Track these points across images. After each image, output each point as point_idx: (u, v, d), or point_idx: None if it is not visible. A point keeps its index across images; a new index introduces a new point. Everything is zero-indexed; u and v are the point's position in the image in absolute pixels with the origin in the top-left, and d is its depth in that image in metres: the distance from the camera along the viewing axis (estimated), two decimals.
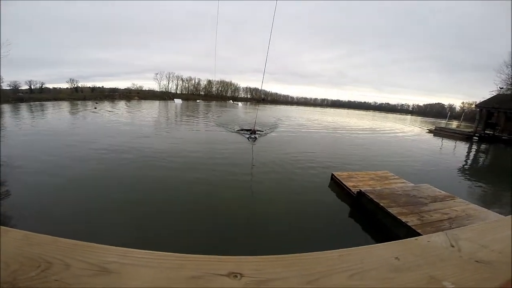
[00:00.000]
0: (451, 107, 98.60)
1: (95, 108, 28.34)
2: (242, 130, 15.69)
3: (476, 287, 0.43)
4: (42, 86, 59.39)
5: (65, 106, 31.55)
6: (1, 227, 0.51)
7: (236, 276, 0.43)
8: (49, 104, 34.38)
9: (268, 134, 15.21)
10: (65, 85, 66.69)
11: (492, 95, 27.78)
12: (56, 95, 50.85)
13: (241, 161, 8.62)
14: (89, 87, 68.90)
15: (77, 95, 53.61)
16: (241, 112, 37.04)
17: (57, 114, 21.42)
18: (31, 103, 34.62)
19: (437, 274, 0.46)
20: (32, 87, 56.68)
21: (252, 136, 12.98)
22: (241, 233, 4.22)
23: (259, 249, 3.63)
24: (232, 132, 15.53)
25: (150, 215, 4.54)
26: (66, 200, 4.96)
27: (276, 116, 30.58)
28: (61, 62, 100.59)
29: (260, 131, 15.13)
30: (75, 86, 66.07)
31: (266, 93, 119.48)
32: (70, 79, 65.90)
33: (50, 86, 64.37)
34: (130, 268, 0.43)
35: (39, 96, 46.06)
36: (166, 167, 7.35)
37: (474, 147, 18.48)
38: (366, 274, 0.45)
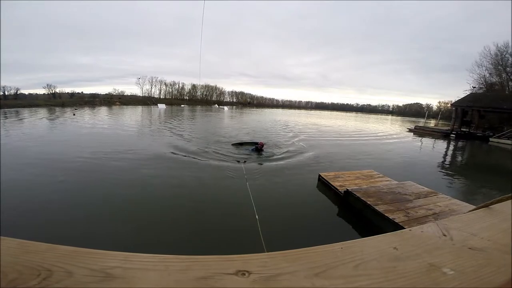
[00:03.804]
0: (428, 107, 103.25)
1: (74, 115, 27.23)
2: (241, 144, 12.21)
3: (474, 272, 0.46)
4: (17, 92, 56.86)
5: (43, 113, 30.09)
6: None
7: (244, 274, 0.42)
8: (25, 111, 32.66)
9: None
10: (42, 91, 64.06)
11: (466, 94, 29.39)
12: (32, 101, 48.67)
13: None
14: (68, 92, 66.66)
15: (55, 101, 51.61)
16: (228, 116, 36.75)
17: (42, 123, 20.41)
18: (6, 109, 32.90)
19: (435, 262, 0.48)
20: (6, 93, 54.10)
21: (260, 153, 10.08)
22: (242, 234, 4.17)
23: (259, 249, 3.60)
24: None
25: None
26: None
27: (269, 121, 29.71)
28: (38, 67, 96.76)
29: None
30: (53, 91, 63.56)
31: (252, 97, 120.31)
32: (48, 85, 63.40)
33: (26, 92, 61.75)
34: (135, 272, 0.42)
35: (13, 102, 43.95)
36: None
37: (452, 144, 19.38)
38: (369, 264, 0.47)
